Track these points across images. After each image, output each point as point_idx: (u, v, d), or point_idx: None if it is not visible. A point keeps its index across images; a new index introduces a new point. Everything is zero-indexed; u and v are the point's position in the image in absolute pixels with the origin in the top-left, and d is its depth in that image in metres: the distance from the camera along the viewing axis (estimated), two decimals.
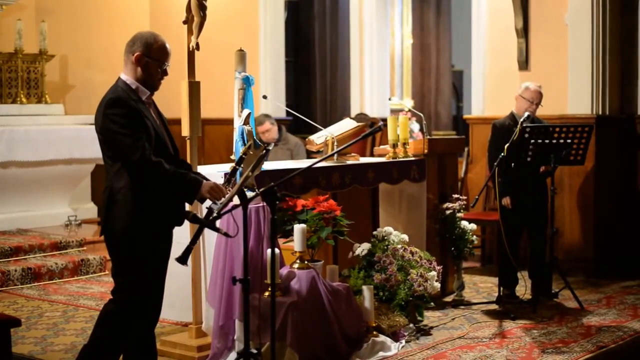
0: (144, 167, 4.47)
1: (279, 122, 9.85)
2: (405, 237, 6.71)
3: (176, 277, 5.50)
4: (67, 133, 9.86)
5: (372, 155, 8.63)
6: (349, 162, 6.84)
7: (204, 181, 4.63)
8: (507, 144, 7.01)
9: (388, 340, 5.97)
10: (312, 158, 7.97)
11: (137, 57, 4.62)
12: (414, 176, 7.31)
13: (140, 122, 4.52)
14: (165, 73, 4.71)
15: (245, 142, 5.61)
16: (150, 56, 4.63)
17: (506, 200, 7.37)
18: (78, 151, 9.77)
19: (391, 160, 7.22)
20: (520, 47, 9.12)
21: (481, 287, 8.09)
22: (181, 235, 5.70)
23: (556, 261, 7.59)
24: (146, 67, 4.63)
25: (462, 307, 7.24)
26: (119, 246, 4.61)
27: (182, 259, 4.56)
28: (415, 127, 10.69)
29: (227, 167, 6.07)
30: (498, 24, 9.44)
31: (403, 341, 6.13)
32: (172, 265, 4.96)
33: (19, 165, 9.38)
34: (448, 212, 7.39)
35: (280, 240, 6.04)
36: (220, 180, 5.64)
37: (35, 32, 10.43)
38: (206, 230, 5.49)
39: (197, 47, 5.83)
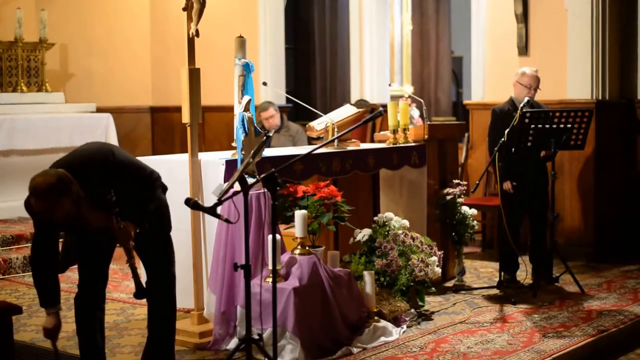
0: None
1: (280, 108, 9.88)
2: (406, 222, 6.73)
3: (178, 263, 5.52)
4: (67, 121, 9.87)
5: (372, 141, 8.64)
6: (349, 148, 6.85)
7: (48, 316, 4.66)
8: (508, 129, 7.01)
9: (389, 326, 5.98)
10: (313, 144, 7.98)
11: None
12: (414, 162, 7.32)
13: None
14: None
15: (246, 128, 5.62)
16: None
17: (507, 185, 7.36)
18: (79, 139, 9.75)
19: (391, 146, 7.23)
20: (519, 33, 9.11)
21: (482, 272, 8.10)
22: (182, 221, 5.74)
23: (556, 246, 7.61)
24: None
25: (463, 292, 7.25)
26: None
27: (138, 294, 4.78)
28: (415, 113, 10.69)
29: (227, 154, 6.09)
30: (497, 9, 9.43)
31: (404, 326, 6.14)
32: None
33: (19, 154, 9.40)
34: (448, 197, 7.39)
35: (281, 227, 6.06)
36: (221, 167, 5.68)
37: (35, 21, 10.42)
38: (207, 217, 5.52)
39: (197, 34, 5.82)
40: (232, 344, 5.55)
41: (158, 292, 5.01)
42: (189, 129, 5.80)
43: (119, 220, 4.64)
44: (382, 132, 7.95)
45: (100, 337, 5.09)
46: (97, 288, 5.03)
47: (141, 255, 5.01)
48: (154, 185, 4.90)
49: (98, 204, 4.59)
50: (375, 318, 5.95)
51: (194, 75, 5.80)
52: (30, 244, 8.39)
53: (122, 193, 4.63)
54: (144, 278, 4.94)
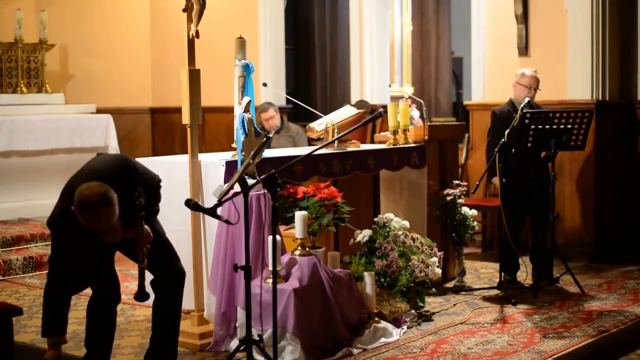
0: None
1: (280, 109, 9.89)
2: (406, 223, 6.72)
3: None
4: (67, 122, 9.88)
5: (372, 142, 8.64)
6: (349, 149, 6.85)
7: (50, 348, 4.65)
8: (508, 130, 7.01)
9: (389, 326, 5.98)
10: (313, 145, 7.97)
11: None
12: (414, 162, 7.32)
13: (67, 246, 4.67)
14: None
15: (246, 129, 5.61)
16: None
17: (496, 180, 7.28)
18: (79, 140, 9.78)
19: (392, 146, 7.23)
20: (519, 33, 9.11)
21: (482, 273, 8.10)
22: (182, 222, 5.74)
23: (557, 246, 7.61)
24: None
25: (464, 292, 7.25)
26: None
27: (140, 297, 4.74)
28: (416, 113, 10.69)
29: (227, 155, 6.09)
30: (497, 10, 9.43)
31: (405, 327, 6.14)
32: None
33: (20, 155, 9.40)
34: (449, 198, 7.39)
35: (282, 228, 6.06)
36: (221, 169, 5.68)
37: (35, 22, 10.43)
38: (207, 218, 5.51)
39: (197, 34, 5.82)
40: (233, 345, 5.54)
41: (168, 288, 5.01)
42: (189, 130, 5.80)
43: (142, 223, 4.65)
44: (382, 133, 7.95)
45: (110, 339, 5.12)
46: (112, 289, 5.08)
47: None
48: (158, 187, 4.97)
49: (126, 212, 4.57)
50: (376, 319, 5.95)
51: (194, 76, 5.80)
52: (29, 245, 8.48)
53: None
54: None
